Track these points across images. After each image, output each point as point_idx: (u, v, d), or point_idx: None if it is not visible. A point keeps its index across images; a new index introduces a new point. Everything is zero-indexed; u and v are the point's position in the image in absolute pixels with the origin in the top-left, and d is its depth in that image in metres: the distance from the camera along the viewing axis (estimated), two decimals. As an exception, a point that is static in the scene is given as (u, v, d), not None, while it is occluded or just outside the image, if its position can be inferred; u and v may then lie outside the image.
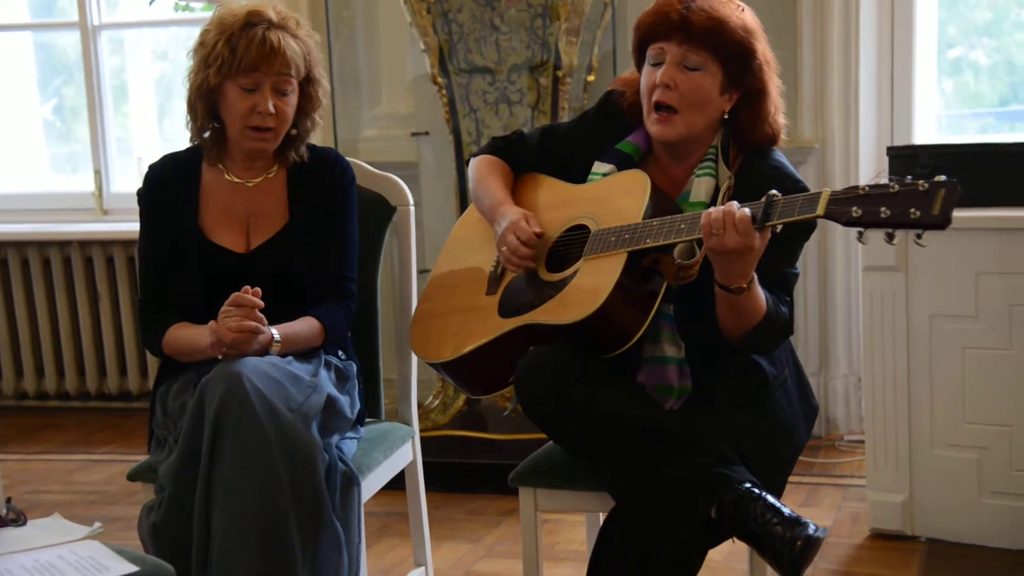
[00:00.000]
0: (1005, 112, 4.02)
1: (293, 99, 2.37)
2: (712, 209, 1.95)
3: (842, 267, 3.85)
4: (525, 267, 2.20)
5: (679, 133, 2.14)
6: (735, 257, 1.93)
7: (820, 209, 1.86)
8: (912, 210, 1.79)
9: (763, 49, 2.15)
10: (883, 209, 1.81)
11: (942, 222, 1.78)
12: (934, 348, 2.97)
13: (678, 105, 2.12)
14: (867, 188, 1.84)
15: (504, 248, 2.22)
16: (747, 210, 1.92)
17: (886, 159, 3.13)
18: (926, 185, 1.79)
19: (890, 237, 1.83)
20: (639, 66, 2.22)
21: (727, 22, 2.11)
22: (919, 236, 1.82)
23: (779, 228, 1.93)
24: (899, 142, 3.78)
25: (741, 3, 2.17)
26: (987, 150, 3.05)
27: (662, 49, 2.13)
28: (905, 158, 3.04)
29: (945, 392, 2.97)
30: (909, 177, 1.82)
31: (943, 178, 1.79)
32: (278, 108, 2.34)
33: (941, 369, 2.97)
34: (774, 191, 1.93)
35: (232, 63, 2.30)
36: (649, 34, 2.15)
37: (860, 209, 1.83)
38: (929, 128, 3.87)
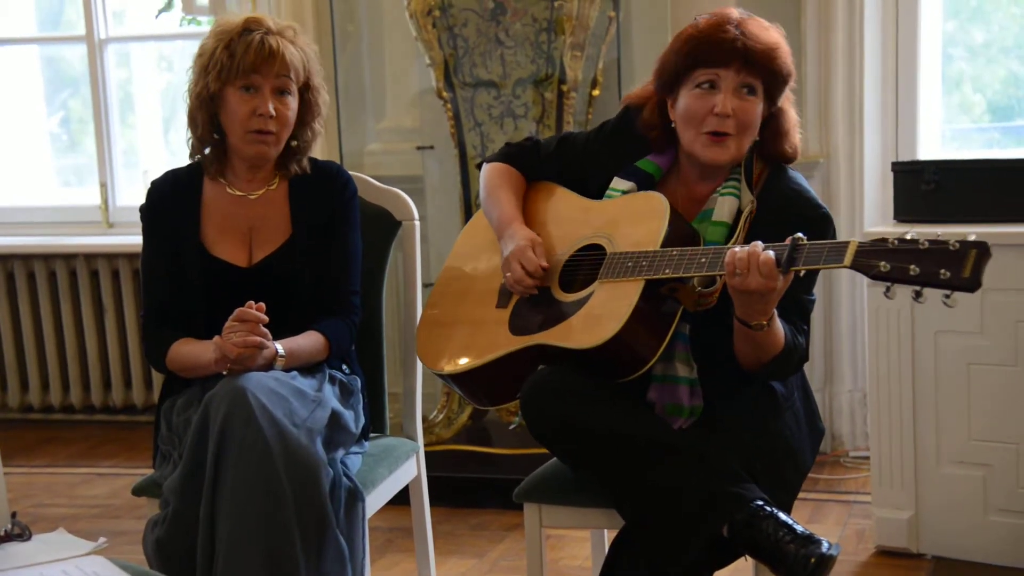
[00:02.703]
0: (1011, 127, 4.02)
1: (293, 104, 2.37)
2: (736, 248, 1.94)
3: (847, 283, 3.84)
4: (529, 294, 2.20)
5: (732, 156, 2.14)
6: (757, 298, 1.93)
7: (847, 260, 1.84)
8: (942, 271, 1.77)
9: None
10: (912, 266, 1.79)
11: (972, 285, 1.76)
12: (940, 364, 2.96)
13: (734, 131, 2.12)
14: (896, 242, 1.81)
15: (508, 275, 2.21)
16: (772, 253, 1.90)
17: (891, 174, 3.13)
18: (957, 245, 1.77)
19: (917, 295, 1.81)
20: (671, 88, 2.18)
21: (780, 48, 2.13)
22: (947, 296, 1.80)
23: (803, 272, 1.92)
24: (904, 157, 3.77)
25: (767, 23, 2.18)
26: (992, 165, 3.05)
27: (718, 75, 2.11)
28: (910, 173, 3.04)
29: (951, 409, 2.97)
30: (939, 232, 1.80)
31: (973, 238, 1.77)
32: (278, 111, 2.34)
33: (947, 386, 2.96)
34: (800, 235, 1.91)
35: (231, 67, 2.31)
36: (703, 59, 2.11)
37: (888, 264, 1.81)
38: (934, 143, 3.87)
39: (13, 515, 2.04)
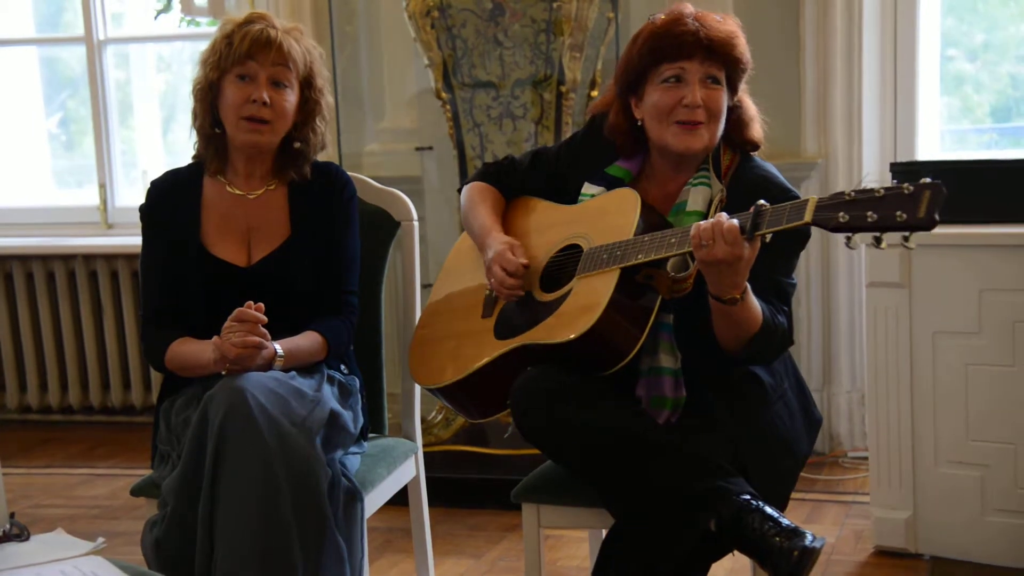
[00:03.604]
0: (1009, 128, 4.02)
1: (291, 96, 2.37)
2: (701, 221, 1.98)
3: (845, 283, 3.84)
4: (515, 296, 2.22)
5: (705, 145, 2.17)
6: (725, 268, 1.95)
7: (808, 216, 1.88)
8: (898, 213, 1.81)
9: None
10: (869, 213, 1.83)
11: (928, 223, 1.80)
12: (938, 365, 2.97)
13: (705, 119, 2.16)
14: (853, 193, 1.86)
15: (492, 280, 2.24)
16: (735, 220, 1.94)
17: (889, 175, 3.13)
18: (911, 188, 1.81)
19: (878, 241, 1.85)
20: (635, 88, 2.22)
21: (738, 36, 2.18)
22: (906, 238, 1.84)
23: (768, 237, 1.94)
24: (902, 158, 3.78)
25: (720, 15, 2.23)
26: (991, 166, 3.05)
27: (683, 68, 2.15)
28: (908, 174, 3.03)
29: (949, 409, 2.97)
30: (895, 181, 1.83)
31: (928, 180, 1.82)
32: (274, 100, 2.34)
33: (945, 386, 2.97)
34: (762, 201, 1.95)
35: (228, 55, 2.33)
36: (666, 54, 2.16)
37: (847, 214, 1.85)
38: (932, 144, 3.87)
39: (11, 516, 2.04)
